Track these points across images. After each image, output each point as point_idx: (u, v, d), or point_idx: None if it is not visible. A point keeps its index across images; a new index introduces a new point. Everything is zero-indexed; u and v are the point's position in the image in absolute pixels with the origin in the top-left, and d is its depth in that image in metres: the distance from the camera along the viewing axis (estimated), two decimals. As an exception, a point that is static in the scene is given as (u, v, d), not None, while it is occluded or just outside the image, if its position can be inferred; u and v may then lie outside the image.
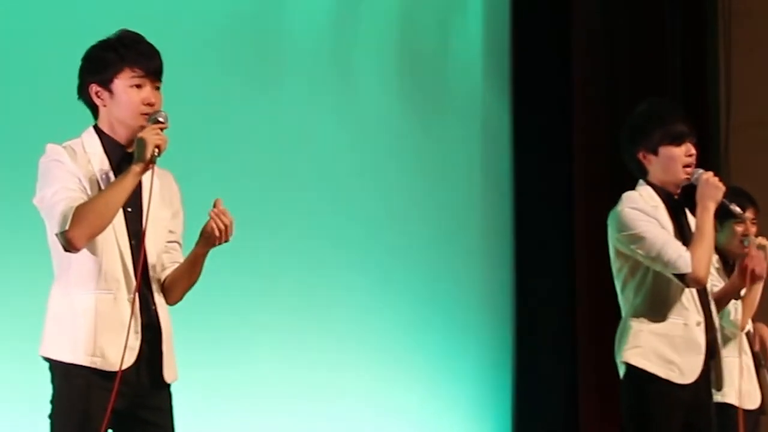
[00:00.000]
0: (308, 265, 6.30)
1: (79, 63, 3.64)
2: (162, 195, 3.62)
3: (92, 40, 3.66)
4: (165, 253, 3.68)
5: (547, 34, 7.15)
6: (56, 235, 3.45)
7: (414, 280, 6.72)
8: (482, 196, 7.11)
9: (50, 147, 3.56)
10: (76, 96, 3.67)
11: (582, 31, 7.14)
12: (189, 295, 3.74)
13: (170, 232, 3.70)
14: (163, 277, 3.66)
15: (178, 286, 3.66)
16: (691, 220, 4.43)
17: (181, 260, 3.68)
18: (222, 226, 3.54)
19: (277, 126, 6.26)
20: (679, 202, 4.42)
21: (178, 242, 3.72)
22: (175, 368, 3.63)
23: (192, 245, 3.65)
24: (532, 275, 7.09)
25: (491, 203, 7.12)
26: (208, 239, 3.55)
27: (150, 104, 3.56)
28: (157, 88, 3.60)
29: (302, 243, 6.29)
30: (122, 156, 3.59)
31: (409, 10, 6.88)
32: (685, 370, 4.28)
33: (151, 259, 3.59)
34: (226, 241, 3.56)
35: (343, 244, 6.47)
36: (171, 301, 3.68)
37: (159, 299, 3.61)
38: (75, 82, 3.66)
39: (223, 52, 6.09)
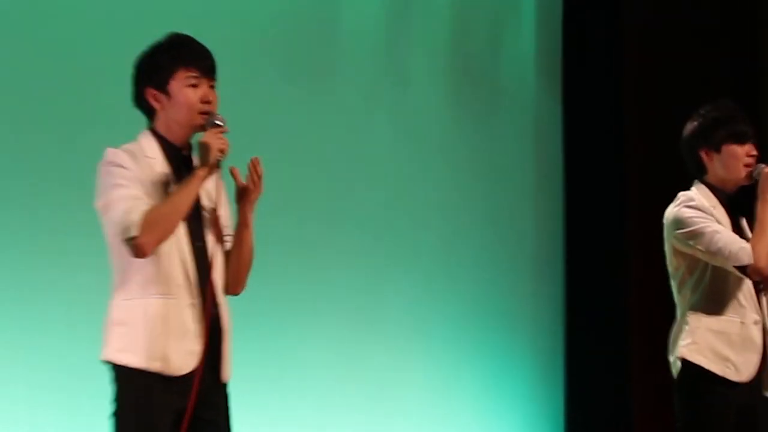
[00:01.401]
0: (363, 265, 6.33)
1: (128, 64, 3.65)
2: (214, 195, 3.67)
3: (143, 42, 3.68)
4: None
5: (598, 34, 7.11)
6: (124, 241, 3.44)
7: (466, 277, 6.72)
8: (534, 195, 7.09)
9: (110, 151, 3.56)
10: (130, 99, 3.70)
11: (633, 32, 7.10)
12: (249, 297, 3.77)
13: (223, 226, 3.72)
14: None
15: (232, 266, 3.67)
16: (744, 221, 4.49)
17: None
18: (256, 178, 3.60)
19: (331, 126, 6.29)
20: (736, 201, 4.45)
21: (229, 235, 3.74)
22: (230, 367, 3.64)
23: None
24: (583, 273, 7.03)
25: (543, 201, 7.10)
26: (243, 195, 3.61)
27: (207, 102, 3.58)
28: (212, 87, 3.62)
29: (355, 241, 6.31)
30: (180, 158, 3.61)
31: (461, 11, 6.88)
32: (741, 367, 4.31)
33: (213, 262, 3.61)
34: (259, 193, 3.62)
35: (397, 242, 6.49)
36: (234, 288, 3.69)
37: (220, 301, 3.61)
38: (128, 84, 3.69)
39: (277, 54, 6.12)
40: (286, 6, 6.22)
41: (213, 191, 3.66)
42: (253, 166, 3.60)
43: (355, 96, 6.40)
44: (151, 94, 3.59)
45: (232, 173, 3.61)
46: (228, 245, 3.69)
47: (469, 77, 6.86)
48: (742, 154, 4.38)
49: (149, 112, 3.63)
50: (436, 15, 6.77)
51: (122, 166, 3.51)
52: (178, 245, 3.53)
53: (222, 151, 3.50)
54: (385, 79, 6.56)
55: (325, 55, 6.34)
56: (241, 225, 3.65)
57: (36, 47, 5.42)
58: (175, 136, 3.61)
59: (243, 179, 3.63)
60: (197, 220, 3.59)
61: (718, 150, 4.40)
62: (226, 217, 3.72)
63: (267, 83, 6.01)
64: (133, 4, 5.69)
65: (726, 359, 4.29)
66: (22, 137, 5.38)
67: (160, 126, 3.61)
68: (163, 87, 3.58)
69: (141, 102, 3.63)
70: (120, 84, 3.78)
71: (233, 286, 3.68)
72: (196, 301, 3.53)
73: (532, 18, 7.14)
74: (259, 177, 3.61)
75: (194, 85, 3.57)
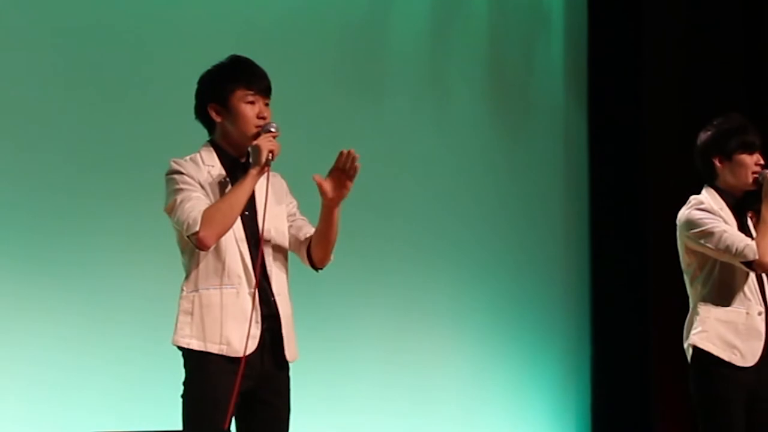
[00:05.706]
0: (409, 265, 6.47)
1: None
2: (274, 195, 3.80)
3: (203, 55, 3.87)
4: (298, 230, 3.86)
5: (621, 53, 7.20)
6: (188, 236, 3.63)
7: (501, 272, 6.85)
8: (563, 197, 7.20)
9: (173, 161, 3.76)
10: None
11: (654, 50, 7.14)
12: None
13: (289, 215, 3.88)
14: (305, 247, 3.85)
15: (321, 245, 3.82)
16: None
17: (313, 229, 3.86)
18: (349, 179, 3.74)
19: (381, 132, 6.45)
20: (742, 203, 4.59)
21: (301, 218, 3.89)
22: (295, 348, 3.79)
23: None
24: (608, 271, 7.11)
25: (570, 205, 7.21)
26: (336, 182, 3.73)
27: (262, 117, 3.75)
28: (267, 104, 3.79)
29: (401, 243, 6.47)
30: (236, 165, 3.78)
31: (497, 30, 7.01)
32: (746, 354, 4.45)
33: (268, 256, 3.77)
34: (344, 195, 3.74)
35: (440, 236, 6.63)
36: (320, 263, 3.84)
37: (277, 290, 3.77)
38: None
39: (331, 71, 6.30)
40: (341, 28, 6.40)
41: (278, 192, 3.82)
42: (352, 160, 3.75)
43: (403, 106, 6.60)
44: (213, 109, 3.78)
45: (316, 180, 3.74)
46: (305, 225, 3.86)
47: (504, 89, 6.99)
48: (750, 162, 4.52)
49: (210, 125, 3.82)
50: (474, 36, 6.91)
51: (184, 173, 3.71)
52: (237, 242, 3.71)
53: (272, 152, 3.66)
54: (429, 91, 6.71)
55: (375, 71, 6.53)
56: (329, 214, 3.77)
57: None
58: (232, 146, 3.78)
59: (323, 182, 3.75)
60: (253, 220, 3.75)
61: (729, 158, 4.53)
62: (292, 206, 3.90)
63: (324, 96, 6.18)
64: (195, 25, 5.87)
65: (733, 347, 4.43)
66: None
67: (219, 138, 3.80)
68: (224, 103, 3.76)
69: (203, 115, 3.82)
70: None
71: (320, 261, 3.85)
72: (255, 290, 3.70)
73: (560, 36, 7.24)
74: (351, 177, 3.75)
75: (251, 102, 3.76)
